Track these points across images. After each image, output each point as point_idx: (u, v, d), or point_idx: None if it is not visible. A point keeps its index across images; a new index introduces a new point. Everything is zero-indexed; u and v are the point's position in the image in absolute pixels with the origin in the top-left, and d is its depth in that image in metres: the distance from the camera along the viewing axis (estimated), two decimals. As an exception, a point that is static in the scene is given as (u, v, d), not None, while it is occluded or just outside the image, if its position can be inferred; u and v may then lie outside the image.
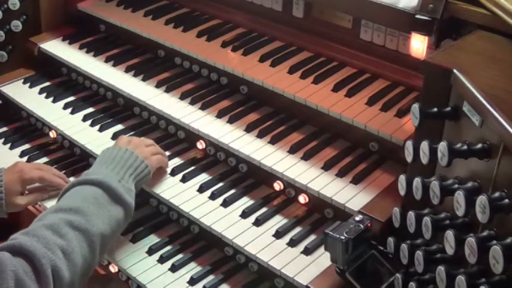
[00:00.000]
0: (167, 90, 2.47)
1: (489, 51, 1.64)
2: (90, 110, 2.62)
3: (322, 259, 1.88)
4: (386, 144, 2.03)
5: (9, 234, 1.74)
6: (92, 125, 2.52)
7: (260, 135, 2.21)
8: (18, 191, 2.19)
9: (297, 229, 2.02)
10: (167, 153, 2.32)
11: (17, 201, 2.19)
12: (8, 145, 2.63)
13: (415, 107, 1.54)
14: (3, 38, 2.84)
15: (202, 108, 2.36)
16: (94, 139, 2.45)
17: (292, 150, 2.13)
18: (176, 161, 2.31)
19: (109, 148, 2.11)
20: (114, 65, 2.66)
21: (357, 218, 1.76)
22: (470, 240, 1.31)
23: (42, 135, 2.69)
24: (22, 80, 2.84)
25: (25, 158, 2.54)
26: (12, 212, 2.24)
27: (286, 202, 2.12)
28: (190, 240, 2.18)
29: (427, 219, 1.48)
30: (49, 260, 1.63)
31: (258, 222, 2.04)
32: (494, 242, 1.27)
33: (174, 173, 2.25)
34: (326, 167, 2.06)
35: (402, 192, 1.60)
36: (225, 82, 2.47)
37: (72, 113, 2.60)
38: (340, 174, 2.04)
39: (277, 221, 2.06)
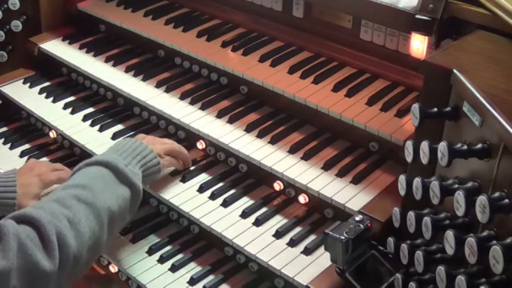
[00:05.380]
0: (167, 90, 2.47)
1: (489, 51, 1.64)
2: (90, 110, 2.62)
3: (322, 259, 1.88)
4: (386, 144, 2.03)
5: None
6: (92, 125, 2.52)
7: (260, 135, 2.21)
8: (37, 193, 2.14)
9: (297, 229, 2.02)
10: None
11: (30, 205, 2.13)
12: (8, 145, 2.63)
13: (415, 107, 1.54)
14: (3, 38, 2.84)
15: (202, 108, 2.36)
16: (94, 139, 2.45)
17: (292, 150, 2.13)
18: (176, 161, 2.31)
19: (120, 140, 2.12)
20: (114, 65, 2.66)
21: (357, 218, 1.76)
22: (470, 240, 1.31)
23: (42, 135, 2.69)
24: (22, 80, 2.85)
25: (25, 158, 2.54)
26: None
27: (286, 202, 2.12)
28: (190, 240, 2.18)
29: (427, 219, 1.48)
30: (54, 225, 1.63)
31: (258, 222, 2.04)
32: (494, 242, 1.27)
33: (173, 173, 2.24)
34: (326, 167, 2.06)
35: (402, 192, 1.60)
36: (225, 82, 2.46)
37: (72, 113, 2.60)
38: (340, 174, 2.03)
39: (277, 221, 2.05)
